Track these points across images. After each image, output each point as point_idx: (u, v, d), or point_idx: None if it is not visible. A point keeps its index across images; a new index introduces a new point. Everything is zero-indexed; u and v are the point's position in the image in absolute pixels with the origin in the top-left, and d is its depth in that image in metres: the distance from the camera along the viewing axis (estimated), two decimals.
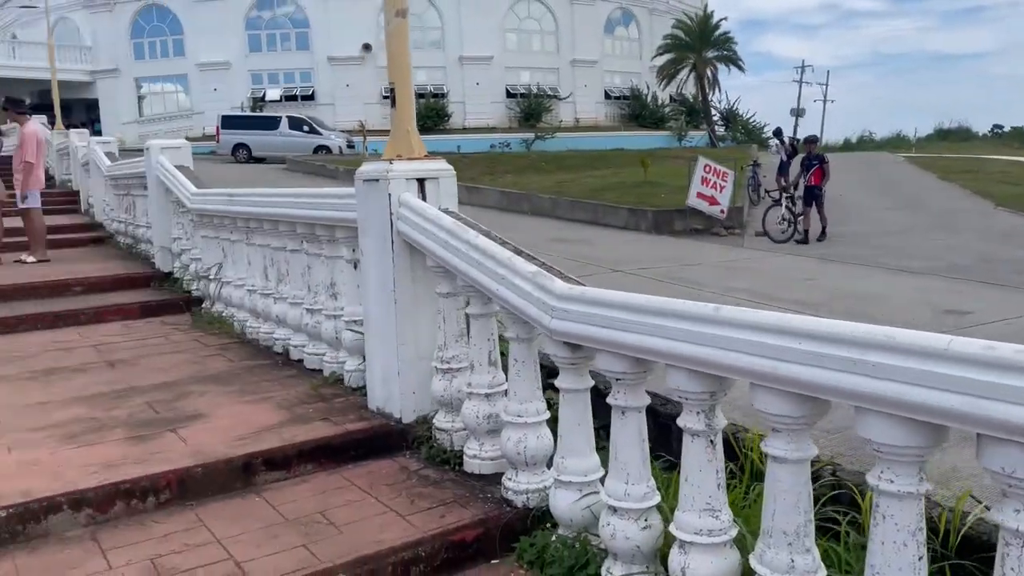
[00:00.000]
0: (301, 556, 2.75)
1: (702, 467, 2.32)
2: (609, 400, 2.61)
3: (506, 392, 3.34)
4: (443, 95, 41.93)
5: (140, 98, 42.44)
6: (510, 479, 3.17)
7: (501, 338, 3.42)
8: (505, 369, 3.45)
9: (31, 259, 8.97)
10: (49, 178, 13.60)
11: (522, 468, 3.14)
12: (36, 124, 9.68)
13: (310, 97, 41.24)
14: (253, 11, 41.06)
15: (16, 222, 9.37)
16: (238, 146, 31.37)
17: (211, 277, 6.67)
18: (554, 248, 10.87)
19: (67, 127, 18.09)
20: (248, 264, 5.95)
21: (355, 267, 4.46)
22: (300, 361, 5.09)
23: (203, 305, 6.90)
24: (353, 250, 4.43)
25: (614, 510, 2.60)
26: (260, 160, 31.07)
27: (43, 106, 31.90)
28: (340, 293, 4.65)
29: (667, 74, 44.58)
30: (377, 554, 2.77)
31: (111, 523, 3.04)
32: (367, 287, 4.02)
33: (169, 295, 7.38)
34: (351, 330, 4.43)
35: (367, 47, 41.11)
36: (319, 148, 31.96)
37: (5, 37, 42.39)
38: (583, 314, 2.61)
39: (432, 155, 3.97)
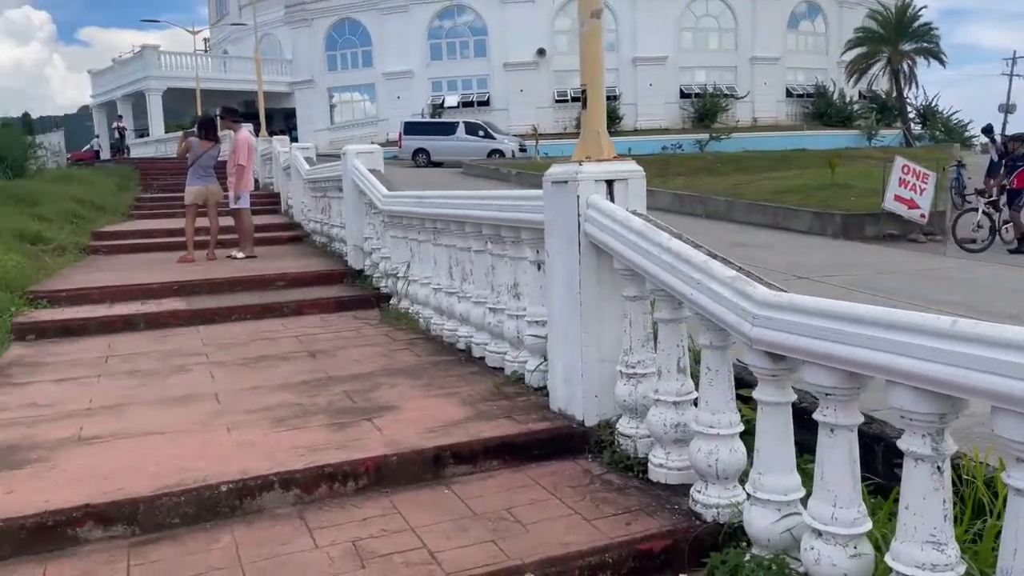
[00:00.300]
0: (491, 551, 2.80)
1: (926, 495, 2.12)
2: (817, 416, 2.45)
3: (695, 401, 3.24)
4: (615, 97, 41.69)
5: (332, 107, 45.53)
6: (699, 492, 3.06)
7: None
8: (694, 377, 3.35)
9: (240, 255, 9.86)
10: (254, 181, 14.90)
11: (712, 481, 3.02)
12: (247, 131, 10.62)
13: (485, 102, 42.46)
14: (435, 21, 42.87)
15: (228, 221, 10.33)
16: (418, 151, 32.85)
17: (399, 275, 7.01)
18: (731, 253, 10.40)
19: (269, 134, 19.75)
20: (434, 263, 6.18)
21: (539, 268, 4.50)
22: (482, 359, 5.22)
23: (391, 301, 7.26)
24: (537, 251, 4.47)
25: (819, 534, 2.44)
26: (438, 164, 32.35)
27: (248, 115, 35.00)
28: (523, 293, 4.71)
29: (857, 69, 41.77)
30: (564, 556, 2.76)
31: (316, 504, 3.25)
32: (551, 288, 4.04)
33: (360, 291, 7.83)
34: (534, 331, 4.48)
35: (541, 52, 41.75)
36: (493, 152, 32.79)
37: (218, 53, 47.02)
38: (788, 323, 2.46)
39: (621, 156, 3.92)
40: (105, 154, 38.01)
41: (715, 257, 3.00)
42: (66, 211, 13.14)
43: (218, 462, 3.41)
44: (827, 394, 2.39)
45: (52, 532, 2.91)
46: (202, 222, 10.08)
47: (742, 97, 43.63)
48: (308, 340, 6.09)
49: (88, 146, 46.80)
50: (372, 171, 7.95)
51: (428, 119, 37.81)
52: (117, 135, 38.52)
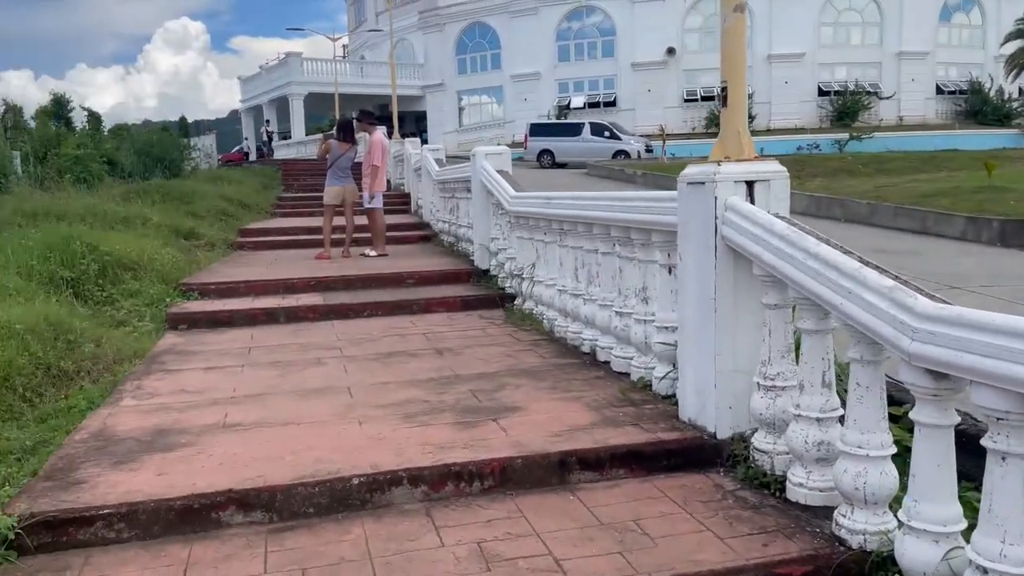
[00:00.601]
0: (617, 563, 2.72)
1: None
2: (985, 443, 2.22)
3: (841, 419, 3.02)
4: (748, 96, 40.31)
5: (460, 109, 46.53)
6: (844, 516, 2.85)
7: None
8: (840, 392, 3.14)
9: (373, 253, 10.20)
10: (387, 182, 15.42)
11: (859, 506, 2.81)
12: (381, 133, 10.97)
13: (612, 103, 42.13)
14: (564, 23, 42.95)
15: (362, 220, 10.70)
16: (543, 152, 33.01)
17: (524, 276, 7.02)
18: (874, 260, 9.83)
19: (401, 136, 20.38)
20: (559, 265, 6.14)
21: (669, 272, 4.37)
22: (607, 363, 5.13)
23: (515, 302, 7.28)
24: (669, 255, 4.34)
25: (984, 571, 2.21)
26: (562, 165, 32.39)
27: (382, 118, 36.18)
28: (651, 298, 4.58)
29: (1017, 63, 38.47)
30: (696, 575, 2.64)
31: (442, 502, 3.27)
32: (683, 293, 3.90)
33: (485, 291, 7.90)
34: (663, 337, 4.35)
35: (671, 51, 40.99)
36: (618, 153, 32.47)
37: (356, 59, 49.05)
38: (955, 339, 2.24)
39: (762, 156, 3.74)
40: (252, 155, 40.53)
41: (868, 264, 2.78)
42: (216, 209, 14.07)
43: (350, 455, 3.50)
44: (999, 419, 2.16)
45: (197, 515, 3.08)
46: (339, 220, 10.52)
47: (888, 97, 41.13)
48: (435, 338, 6.19)
49: (238, 148, 50.05)
50: (500, 172, 8.01)
51: (553, 120, 37.91)
52: (265, 137, 40.99)
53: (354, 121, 11.10)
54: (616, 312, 4.97)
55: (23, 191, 12.10)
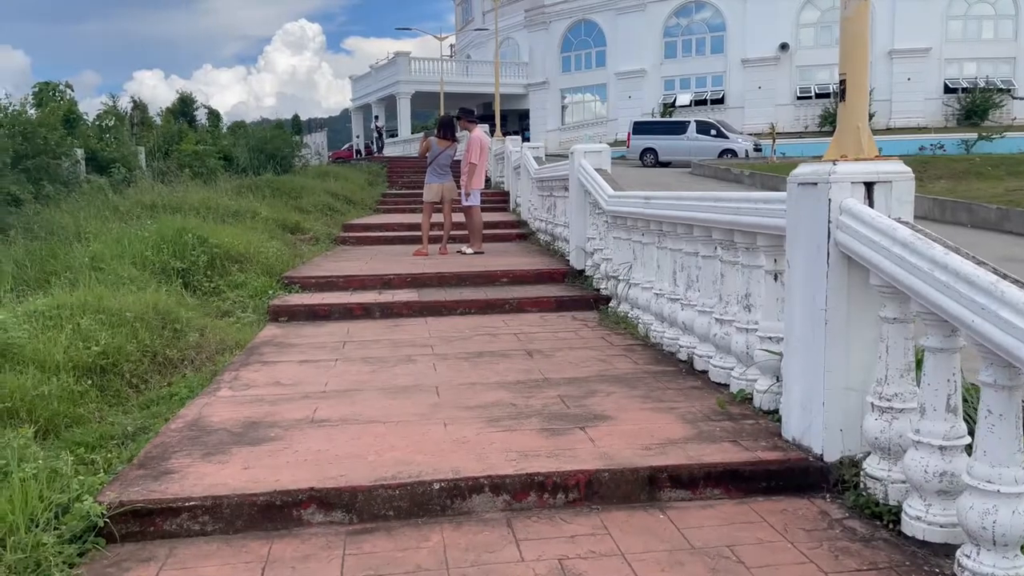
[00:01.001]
0: None
1: None
2: None
3: (968, 448, 2.71)
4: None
5: (563, 107, 46.36)
6: (968, 556, 2.54)
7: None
8: (967, 417, 2.82)
9: (469, 250, 10.21)
10: (486, 180, 15.47)
11: (986, 547, 2.50)
12: (481, 131, 10.95)
13: (719, 101, 40.96)
14: (672, 19, 42.07)
15: (459, 217, 10.74)
16: (646, 150, 32.43)
17: (619, 278, 6.81)
18: (1004, 269, 9.07)
19: (503, 135, 20.43)
20: (657, 267, 5.91)
21: (776, 279, 4.09)
22: (704, 372, 4.88)
23: (609, 304, 7.09)
24: (775, 260, 4.07)
25: None
26: (665, 164, 31.75)
27: (485, 117, 36.72)
28: (755, 306, 4.31)
29: None
30: None
31: (524, 513, 3.15)
32: (791, 302, 3.63)
33: (579, 292, 7.74)
34: (766, 348, 4.08)
35: (784, 47, 39.47)
36: (724, 152, 31.52)
37: (462, 58, 49.67)
38: None
39: (883, 156, 3.42)
40: (360, 153, 41.73)
41: (1006, 277, 2.47)
42: (322, 204, 14.47)
43: (433, 458, 3.42)
44: None
45: (279, 511, 3.07)
46: (437, 218, 10.59)
47: (1023, 97, 38.22)
48: (527, 338, 6.08)
49: (347, 145, 51.67)
50: (599, 170, 7.82)
51: (658, 118, 37.21)
52: (375, 134, 41.94)
53: (455, 119, 11.16)
54: (716, 319, 4.72)
55: (145, 184, 12.78)
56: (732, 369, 4.50)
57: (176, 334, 5.88)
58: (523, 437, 3.70)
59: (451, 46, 55.91)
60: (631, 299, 6.47)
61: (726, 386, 4.54)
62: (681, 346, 5.31)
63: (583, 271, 8.22)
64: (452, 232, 10.62)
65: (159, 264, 7.55)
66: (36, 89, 13.52)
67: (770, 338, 4.07)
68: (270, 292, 7.66)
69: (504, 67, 39.65)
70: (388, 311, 7.17)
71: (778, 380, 4.01)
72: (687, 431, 3.76)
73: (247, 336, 6.32)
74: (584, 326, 6.59)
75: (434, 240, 10.47)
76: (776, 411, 3.90)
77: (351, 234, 12.37)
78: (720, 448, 3.52)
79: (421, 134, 27.00)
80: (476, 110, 44.98)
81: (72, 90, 14.15)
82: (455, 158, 10.94)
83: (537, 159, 12.54)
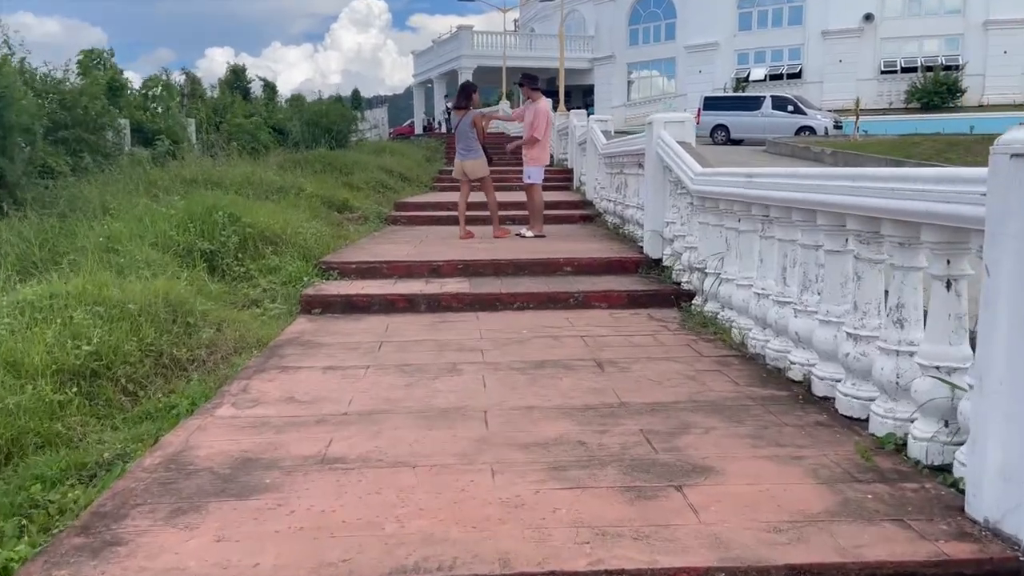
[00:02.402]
0: None
1: None
2: None
3: None
4: (956, 67, 35.70)
5: (629, 83, 44.65)
6: None
7: None
8: None
9: (529, 233, 9.20)
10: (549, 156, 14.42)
11: None
12: (547, 104, 9.85)
13: (796, 75, 38.70)
14: None
15: (518, 197, 9.74)
16: (717, 127, 30.77)
17: (707, 270, 5.73)
18: None
19: (567, 110, 19.27)
20: (759, 261, 4.82)
21: (948, 288, 2.98)
22: (828, 399, 3.80)
23: (694, 301, 6.02)
24: (949, 262, 2.96)
25: None
26: (737, 142, 30.10)
27: (548, 92, 35.21)
28: (910, 320, 3.22)
29: None
30: None
31: None
32: (992, 321, 2.52)
33: (656, 285, 6.67)
34: (932, 377, 2.99)
35: (868, 17, 36.97)
36: (802, 129, 29.62)
37: (525, 32, 48.30)
38: None
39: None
40: (418, 129, 40.80)
41: None
42: (375, 181, 13.66)
43: (473, 533, 2.47)
44: None
45: None
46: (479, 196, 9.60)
47: None
48: (595, 344, 5.07)
49: (408, 121, 50.94)
50: (682, 144, 6.71)
51: (731, 94, 35.36)
52: (447, 111, 39.88)
53: (472, 85, 9.96)
54: (848, 333, 3.63)
55: (191, 158, 12.16)
56: (874, 401, 3.41)
57: (188, 329, 5.07)
58: (598, 501, 2.71)
59: (515, 20, 54.53)
60: (722, 297, 5.40)
61: (862, 422, 3.47)
62: (793, 362, 4.23)
63: (660, 260, 7.13)
64: (511, 213, 9.60)
65: (184, 245, 6.78)
66: (80, 57, 12.97)
67: (937, 367, 2.98)
68: (305, 279, 6.81)
69: (569, 40, 38.24)
70: (435, 304, 6.25)
71: (946, 424, 2.94)
72: (827, 499, 2.71)
73: (271, 332, 5.47)
74: (663, 328, 5.54)
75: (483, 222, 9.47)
76: (948, 468, 2.82)
77: (403, 213, 11.51)
78: (882, 533, 2.46)
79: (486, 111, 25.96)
80: (537, 76, 43.65)
81: (113, 56, 13.52)
82: (513, 135, 9.82)
83: (605, 133, 11.41)
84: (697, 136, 26.57)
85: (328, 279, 6.97)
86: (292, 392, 4.08)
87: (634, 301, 6.32)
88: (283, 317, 5.96)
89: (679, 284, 6.46)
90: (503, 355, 4.80)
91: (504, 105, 33.15)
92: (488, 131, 9.93)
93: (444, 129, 35.87)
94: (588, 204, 11.85)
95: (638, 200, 8.29)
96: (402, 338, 5.31)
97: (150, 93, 13.97)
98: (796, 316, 4.23)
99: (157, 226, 6.82)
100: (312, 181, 11.72)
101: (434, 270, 7.14)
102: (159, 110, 13.79)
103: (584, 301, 6.30)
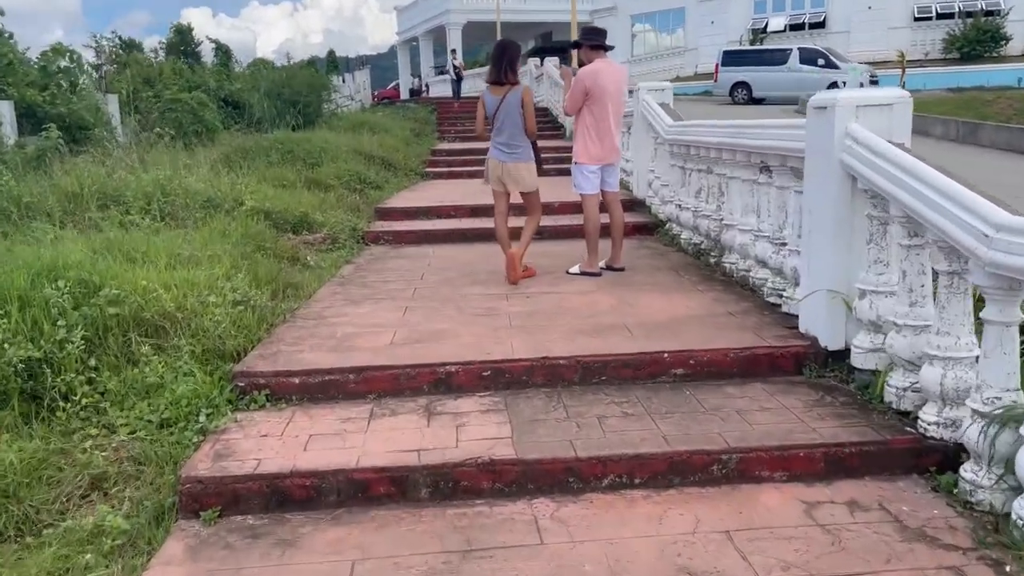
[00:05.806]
0: None
1: None
2: None
3: None
4: (998, 12, 32.20)
5: (632, 36, 40.95)
6: None
7: None
8: None
9: (577, 270, 6.05)
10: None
11: None
12: (594, 66, 6.50)
13: (819, 24, 35.08)
14: None
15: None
16: (737, 84, 27.46)
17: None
18: None
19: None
20: None
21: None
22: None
23: (966, 469, 2.94)
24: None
25: None
26: (759, 101, 26.91)
27: (543, 50, 31.71)
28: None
29: None
30: None
31: None
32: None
33: (861, 417, 3.57)
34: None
35: None
36: (833, 85, 26.30)
37: None
38: None
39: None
40: (404, 94, 36.79)
41: None
42: (349, 174, 10.38)
43: None
44: None
45: None
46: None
47: None
48: None
49: (393, 84, 47.09)
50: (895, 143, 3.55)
51: (753, 47, 31.89)
52: (453, 73, 33.00)
53: (512, 46, 6.51)
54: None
55: (101, 152, 8.93)
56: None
57: None
58: None
59: None
60: None
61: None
62: None
63: (844, 352, 4.00)
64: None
65: None
66: None
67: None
68: (202, 416, 3.64)
69: None
70: (446, 488, 3.15)
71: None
72: None
73: None
74: (938, 553, 2.47)
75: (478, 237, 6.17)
76: None
77: (386, 227, 8.28)
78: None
79: (480, 71, 21.40)
80: (533, 42, 39.68)
81: (3, 14, 10.18)
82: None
83: (663, 105, 8.14)
84: (714, 96, 22.61)
85: (248, 408, 3.83)
86: None
87: (838, 466, 3.23)
88: (135, 543, 2.85)
89: (908, 414, 3.37)
90: None
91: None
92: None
93: (451, 92, 29.70)
94: (639, 204, 8.67)
95: (762, 225, 5.06)
96: None
97: (52, 67, 10.64)
98: None
99: None
100: (260, 183, 8.52)
101: (438, 382, 3.99)
102: (63, 87, 10.47)
103: (741, 471, 3.20)
